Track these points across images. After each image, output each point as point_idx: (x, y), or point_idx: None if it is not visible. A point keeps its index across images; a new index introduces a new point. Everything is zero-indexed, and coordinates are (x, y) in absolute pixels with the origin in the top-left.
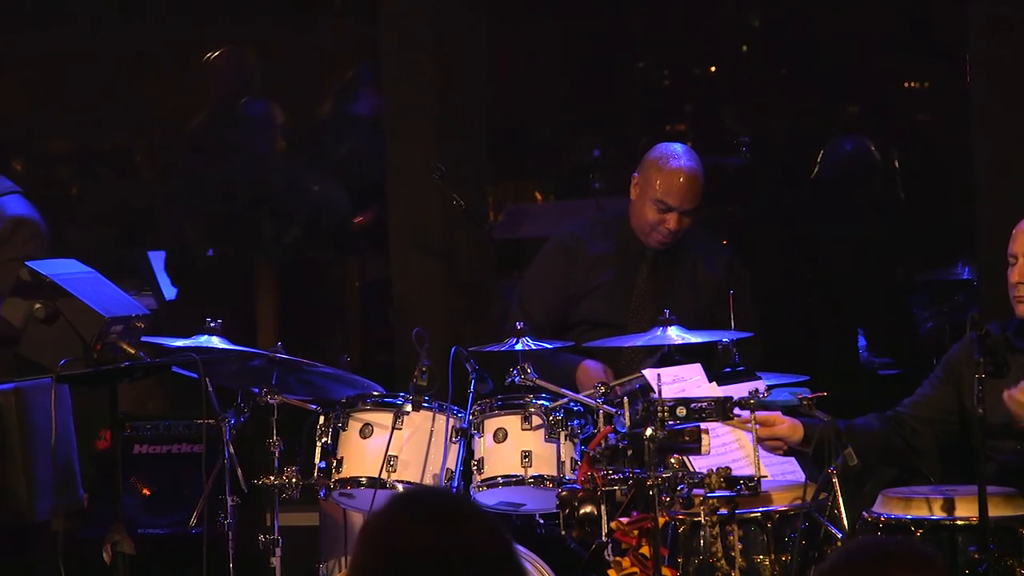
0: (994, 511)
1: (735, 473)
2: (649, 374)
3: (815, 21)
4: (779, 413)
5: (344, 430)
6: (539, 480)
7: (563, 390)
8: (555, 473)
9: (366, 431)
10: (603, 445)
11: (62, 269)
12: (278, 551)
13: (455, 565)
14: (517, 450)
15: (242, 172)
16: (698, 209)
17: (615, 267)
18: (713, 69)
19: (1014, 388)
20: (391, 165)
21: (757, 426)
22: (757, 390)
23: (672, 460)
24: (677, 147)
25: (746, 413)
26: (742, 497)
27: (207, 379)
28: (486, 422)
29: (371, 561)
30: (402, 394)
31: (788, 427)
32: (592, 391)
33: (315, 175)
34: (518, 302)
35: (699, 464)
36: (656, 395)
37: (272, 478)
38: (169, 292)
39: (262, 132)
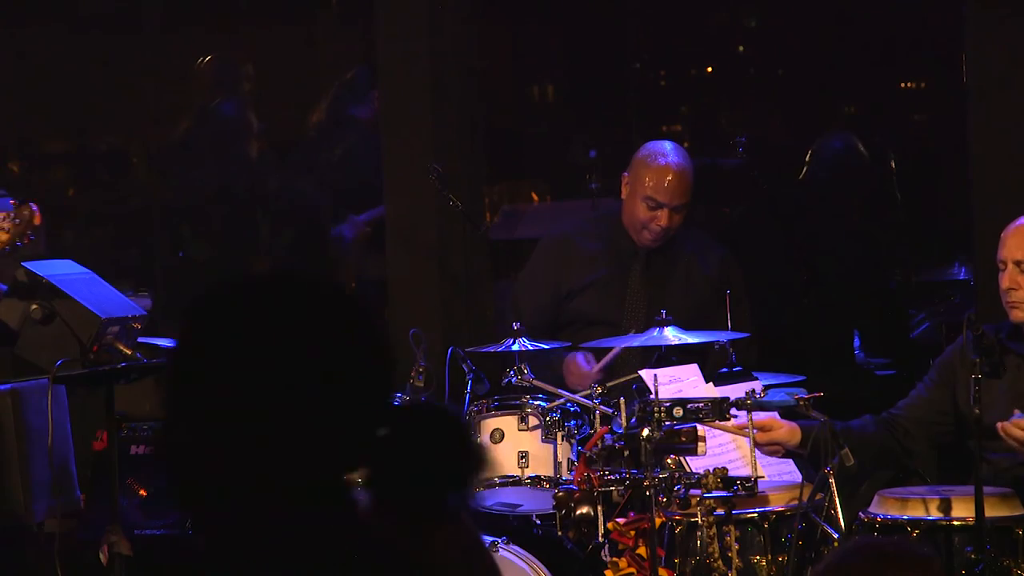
0: (990, 511)
1: (732, 474)
2: (646, 374)
3: (811, 22)
4: (776, 416)
5: None
6: (536, 481)
7: (560, 391)
8: (552, 474)
9: None
10: (600, 446)
11: (59, 270)
12: None
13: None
14: (514, 451)
15: (238, 174)
16: (688, 205)
17: (608, 265)
18: (710, 70)
19: (1007, 422)
20: (387, 165)
21: (755, 431)
22: (754, 390)
23: (669, 461)
24: (666, 144)
25: (743, 413)
26: (739, 498)
27: None
28: (483, 423)
29: None
30: (399, 395)
31: (786, 431)
32: (589, 391)
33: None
34: (512, 303)
35: (696, 465)
36: (653, 395)
37: None
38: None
39: (237, 134)
